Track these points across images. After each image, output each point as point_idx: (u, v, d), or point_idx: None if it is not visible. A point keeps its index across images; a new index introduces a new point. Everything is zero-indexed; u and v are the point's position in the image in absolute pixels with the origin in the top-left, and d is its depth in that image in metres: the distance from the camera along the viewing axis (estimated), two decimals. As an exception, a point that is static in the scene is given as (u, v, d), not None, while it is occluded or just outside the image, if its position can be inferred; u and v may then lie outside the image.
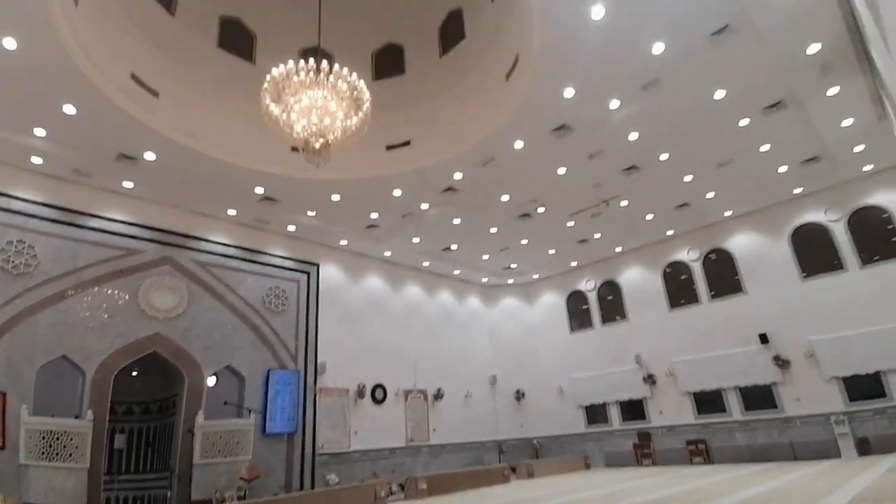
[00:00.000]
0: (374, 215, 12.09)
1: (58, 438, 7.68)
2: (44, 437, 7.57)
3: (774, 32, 7.39)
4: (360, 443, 12.40)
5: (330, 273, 13.36)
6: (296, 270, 12.62)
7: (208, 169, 9.66)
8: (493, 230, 13.36)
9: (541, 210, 12.37)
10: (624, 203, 12.32)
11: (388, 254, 14.40)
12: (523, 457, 14.70)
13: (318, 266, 13.11)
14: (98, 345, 9.18)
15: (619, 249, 15.57)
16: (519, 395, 16.41)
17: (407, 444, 13.40)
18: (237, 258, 11.58)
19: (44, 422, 7.70)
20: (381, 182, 10.69)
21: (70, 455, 7.72)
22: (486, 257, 15.25)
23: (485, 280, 17.23)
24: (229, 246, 11.53)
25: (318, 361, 12.22)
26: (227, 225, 11.65)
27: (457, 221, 12.66)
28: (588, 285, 16.51)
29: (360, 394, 12.82)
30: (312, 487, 10.82)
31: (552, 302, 17.31)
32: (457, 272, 16.30)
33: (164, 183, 10.04)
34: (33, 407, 7.98)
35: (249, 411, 10.51)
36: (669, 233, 14.54)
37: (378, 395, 13.28)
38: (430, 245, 14.03)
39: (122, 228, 10.04)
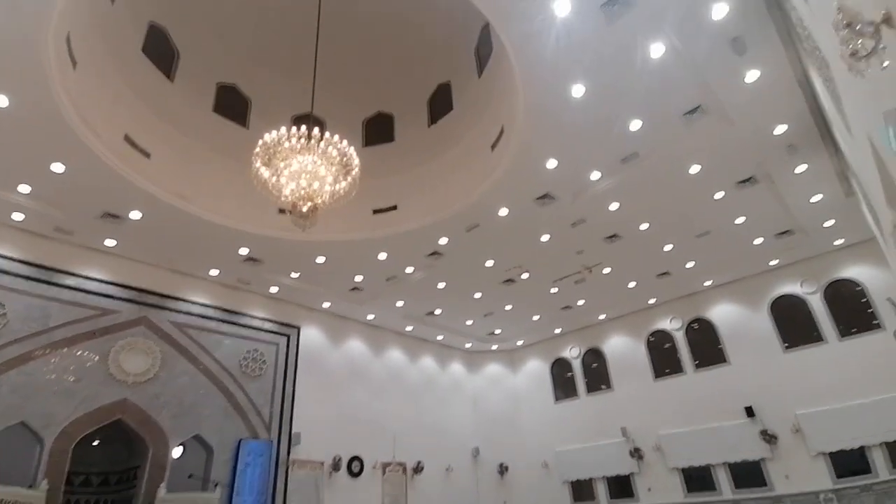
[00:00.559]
0: (359, 278, 12.03)
1: (4, 511, 7.08)
2: (-12, 510, 6.97)
3: (743, 113, 7.86)
4: (334, 521, 11.62)
5: (310, 336, 13.06)
6: (276, 333, 12.33)
7: (194, 229, 9.63)
8: (478, 295, 13.34)
9: (524, 276, 12.45)
10: (607, 270, 12.48)
11: (370, 317, 14.21)
12: (507, 537, 13.85)
13: (298, 329, 12.83)
14: (61, 410, 8.69)
15: (602, 317, 15.58)
16: (502, 470, 15.70)
17: (383, 524, 12.60)
18: (216, 319, 11.31)
19: (-9, 493, 7.11)
20: (366, 245, 10.73)
21: (15, 531, 7.09)
22: (469, 322, 15.12)
23: (468, 346, 16.98)
24: (208, 307, 11.28)
25: (293, 431, 11.65)
26: (208, 285, 11.47)
27: (441, 285, 12.64)
28: (572, 353, 16.34)
29: (336, 466, 12.17)
30: (279, 571, 9.99)
31: (536, 369, 17.02)
32: (440, 337, 16.07)
33: (148, 242, 9.96)
34: (-18, 478, 7.41)
35: (216, 485, 9.87)
36: (651, 301, 14.65)
37: (354, 467, 12.61)
38: (414, 309, 13.91)
39: (99, 287, 9.82)
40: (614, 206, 10.00)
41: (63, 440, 8.57)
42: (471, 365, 17.28)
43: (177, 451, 9.90)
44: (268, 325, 12.23)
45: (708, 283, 13.78)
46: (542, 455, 15.53)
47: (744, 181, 9.53)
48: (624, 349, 15.26)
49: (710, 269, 12.99)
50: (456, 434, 15.52)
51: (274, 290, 12.21)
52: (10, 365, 8.32)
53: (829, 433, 11.17)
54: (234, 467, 10.39)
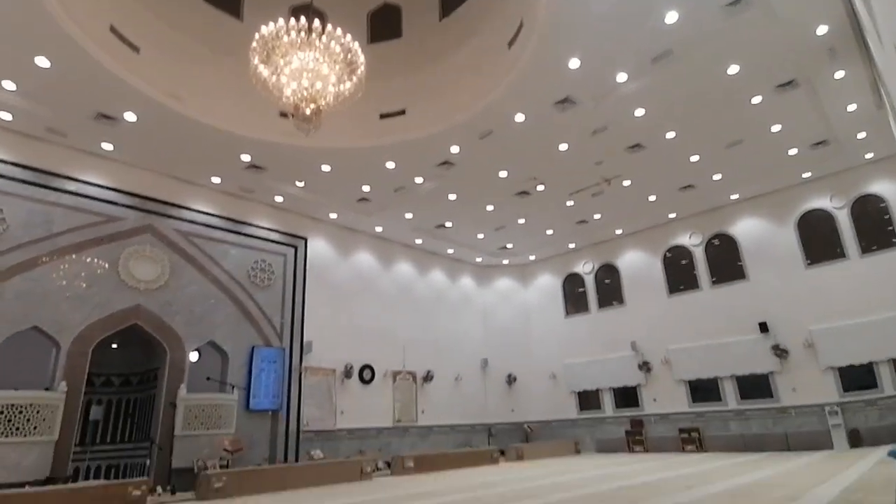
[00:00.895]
0: (366, 188, 11.62)
1: (20, 412, 7.28)
2: (1, 412, 7.15)
3: (786, 8, 7.03)
4: (347, 422, 12.12)
5: (318, 247, 12.92)
6: (282, 244, 12.17)
7: (192, 133, 9.15)
8: (490, 208, 12.94)
9: (540, 188, 11.95)
10: (626, 183, 11.92)
11: (379, 229, 13.96)
12: (513, 441, 14.51)
13: (305, 240, 12.66)
14: (74, 316, 8.76)
15: (618, 232, 15.20)
16: (510, 380, 16.17)
17: (394, 425, 13.16)
18: (221, 229, 11.12)
19: (2, 396, 7.27)
20: (373, 153, 10.22)
21: (35, 428, 7.33)
22: (481, 236, 14.85)
23: (479, 260, 16.85)
24: (213, 216, 11.05)
25: (305, 340, 11.84)
26: (211, 193, 11.16)
27: (452, 197, 12.22)
28: (585, 268, 16.18)
29: (348, 374, 12.51)
30: (297, 461, 10.56)
31: (548, 284, 16.98)
32: (450, 251, 15.91)
33: (146, 146, 9.53)
34: (-10, 379, 7.58)
35: (233, 387, 10.18)
36: (672, 216, 14.17)
37: (366, 375, 12.97)
38: (424, 221, 13.60)
39: (101, 193, 9.55)
40: (640, 112, 9.27)
41: (80, 343, 8.72)
42: (481, 279, 17.25)
43: (193, 356, 10.12)
44: (274, 236, 12.05)
45: (734, 197, 13.19)
46: (551, 367, 15.88)
47: (784, 84, 8.75)
48: (639, 265, 15.04)
49: (738, 182, 12.36)
50: (465, 346, 15.82)
51: (279, 199, 11.88)
52: (14, 271, 8.26)
53: (840, 349, 11.26)
54: (250, 372, 10.67)
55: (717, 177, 11.95)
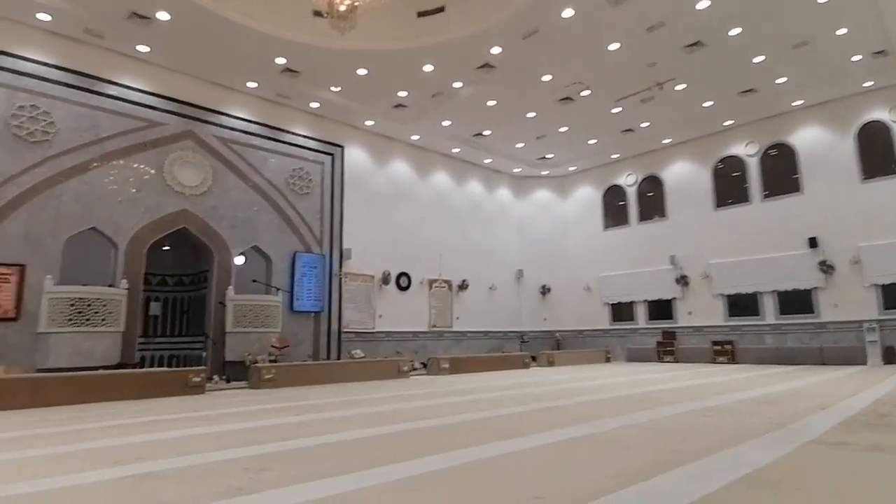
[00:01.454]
0: (403, 93, 11.25)
1: (89, 305, 7.90)
2: (73, 305, 7.77)
3: None
4: (385, 325, 12.72)
5: (355, 156, 12.86)
6: (320, 151, 12.15)
7: (226, 34, 8.88)
8: (531, 115, 12.41)
9: (585, 93, 11.30)
10: (680, 87, 11.12)
11: (415, 137, 13.69)
12: (544, 348, 15.00)
13: (342, 148, 12.58)
14: (128, 218, 9.17)
15: (666, 141, 14.45)
16: (544, 290, 16.40)
17: (430, 329, 13.74)
18: (259, 136, 11.12)
19: (74, 291, 7.87)
20: (410, 55, 9.75)
21: (103, 320, 7.98)
22: (520, 145, 14.41)
23: (517, 171, 16.50)
24: (251, 122, 11.01)
25: (344, 248, 12.16)
26: (248, 99, 11.04)
27: (491, 103, 11.73)
28: (628, 180, 15.65)
29: (385, 280, 12.92)
30: (339, 359, 11.30)
31: (587, 196, 16.62)
32: (488, 161, 15.58)
33: (181, 49, 9.35)
34: (60, 277, 8.16)
35: (277, 290, 10.69)
36: (727, 123, 13.29)
37: (403, 282, 13.37)
38: (461, 129, 13.23)
39: (141, 98, 9.57)
40: (703, 5, 8.40)
41: (135, 245, 9.21)
42: (518, 190, 17.00)
43: (239, 260, 10.58)
44: (311, 144, 12.01)
45: (797, 103, 12.19)
46: (585, 279, 15.98)
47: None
48: (686, 176, 14.46)
49: (803, 87, 11.35)
50: (500, 257, 15.96)
51: (315, 105, 11.68)
52: (69, 174, 8.59)
53: (886, 266, 11.02)
54: (292, 276, 11.14)
55: (780, 80, 10.97)
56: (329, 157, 12.30)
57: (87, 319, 7.83)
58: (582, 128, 13.26)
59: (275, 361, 9.41)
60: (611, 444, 3.22)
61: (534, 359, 13.16)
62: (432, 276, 14.02)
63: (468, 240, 15.12)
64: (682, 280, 13.91)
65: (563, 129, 13.33)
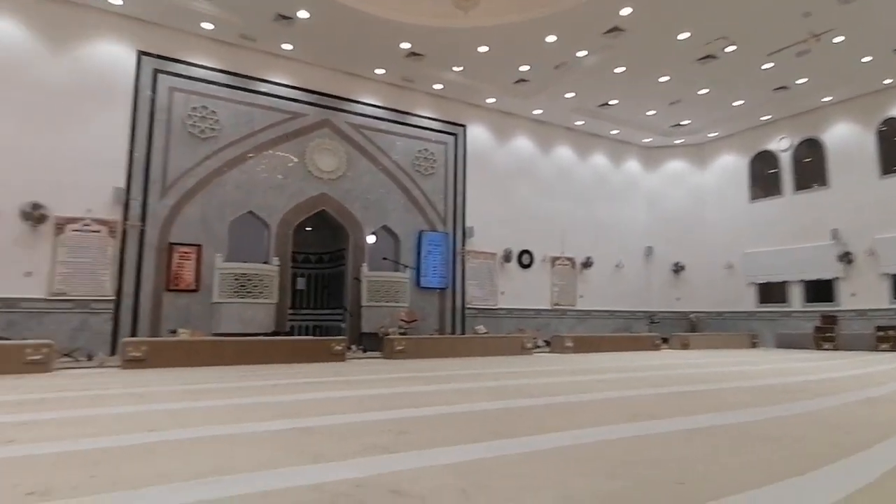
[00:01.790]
0: (524, 68, 11.05)
1: (249, 279, 9.06)
2: (236, 279, 8.97)
3: None
4: (507, 302, 12.84)
5: (477, 134, 12.98)
6: (443, 132, 12.47)
7: (356, 24, 9.42)
8: (664, 79, 11.49)
9: (730, 49, 10.15)
10: (838, 39, 9.51)
11: (537, 112, 13.41)
12: (676, 330, 14.07)
13: (464, 127, 12.77)
14: (277, 202, 10.28)
15: (827, 99, 12.51)
16: (677, 268, 15.30)
17: (552, 307, 13.58)
18: (387, 120, 11.71)
19: (237, 267, 9.09)
20: (532, 27, 9.52)
21: (261, 293, 9.12)
22: (651, 113, 13.44)
23: (647, 141, 15.43)
24: (379, 108, 11.63)
25: (467, 225, 12.44)
26: (376, 85, 11.65)
27: (619, 70, 11.06)
28: (781, 144, 13.86)
29: (507, 258, 12.99)
30: (463, 334, 11.69)
31: (730, 165, 15.05)
32: (614, 132, 14.76)
33: (318, 43, 10.12)
34: (227, 255, 9.42)
35: (405, 267, 11.30)
36: (887, 81, 11.15)
37: (525, 260, 13.34)
38: (586, 100, 12.67)
39: (286, 92, 10.58)
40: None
41: (283, 226, 10.32)
42: (649, 162, 15.92)
43: (370, 239, 11.35)
44: (435, 125, 12.36)
45: None
46: (727, 256, 14.63)
47: None
48: (847, 139, 12.48)
49: None
50: (627, 233, 15.18)
51: (438, 87, 11.96)
52: (231, 165, 9.84)
53: None
54: (419, 254, 11.69)
55: None
56: (452, 137, 12.57)
57: (248, 292, 8.99)
58: (725, 88, 11.97)
59: (404, 334, 10.00)
60: (759, 433, 2.97)
61: (665, 341, 12.42)
62: (555, 253, 13.79)
63: (593, 216, 14.58)
64: (845, 257, 12.10)
65: (702, 92, 12.16)
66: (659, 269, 15.43)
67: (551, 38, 9.85)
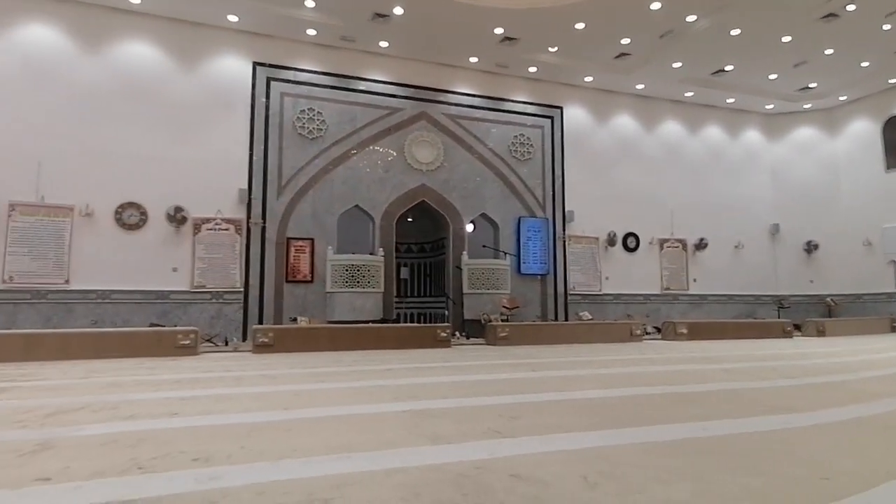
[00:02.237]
0: (625, 41, 10.45)
1: (358, 270, 9.58)
2: (346, 270, 9.52)
3: None
4: (612, 287, 12.34)
5: (574, 116, 12.53)
6: (539, 116, 12.19)
7: (449, 15, 9.49)
8: (786, 39, 10.28)
9: (850, 7, 8.85)
10: None
11: (640, 87, 12.63)
12: (810, 316, 12.65)
13: (561, 109, 12.38)
14: (380, 195, 10.72)
15: None
16: (810, 247, 13.73)
17: (662, 292, 12.83)
18: (482, 108, 11.68)
19: (347, 258, 9.64)
20: (633, -6, 8.95)
21: (368, 282, 9.60)
22: (773, 77, 12.10)
23: (769, 107, 13.93)
24: (474, 96, 11.64)
25: (566, 210, 12.11)
26: (471, 74, 11.65)
27: (735, 32, 10.07)
28: (921, 105, 11.88)
29: (611, 242, 12.46)
30: (566, 321, 11.44)
31: (863, 131, 13.21)
32: (730, 101, 13.50)
33: (413, 38, 10.33)
34: (337, 247, 10.00)
35: (505, 254, 11.27)
36: None
37: (630, 243, 12.71)
38: (696, 69, 11.71)
39: (385, 88, 10.95)
40: None
41: (387, 218, 10.74)
42: (771, 130, 14.38)
43: (469, 227, 11.45)
44: (531, 109, 12.12)
45: None
46: (865, 232, 12.89)
47: None
48: None
49: None
50: (748, 210, 13.88)
51: (533, 70, 11.69)
52: (337, 162, 10.41)
53: None
54: (518, 240, 11.60)
55: None
56: (548, 121, 12.26)
57: (357, 282, 9.51)
58: (851, 48, 10.51)
59: (506, 321, 10.03)
60: (922, 433, 2.61)
61: (797, 327, 11.24)
62: (663, 235, 12.99)
63: (705, 194, 13.51)
64: None
65: (828, 52, 10.73)
66: (788, 249, 13.94)
67: (656, 6, 9.20)
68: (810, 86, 12.60)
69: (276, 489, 1.69)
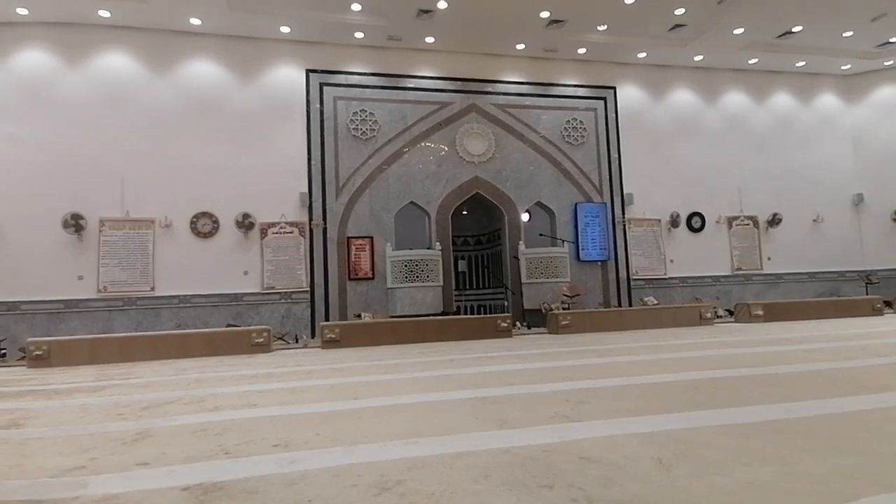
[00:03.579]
0: (680, 11, 9.95)
1: (416, 265, 9.73)
2: (405, 265, 9.70)
3: None
4: (677, 270, 11.84)
5: (628, 95, 12.08)
6: (591, 98, 11.84)
7: (493, 3, 9.39)
8: (864, -10, 9.42)
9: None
10: None
11: (698, 58, 11.98)
12: (904, 291, 11.62)
13: (614, 89, 11.97)
14: (434, 190, 10.81)
15: None
16: (899, 217, 12.59)
17: (733, 273, 12.17)
18: (532, 95, 11.50)
19: (405, 254, 9.81)
20: (686, -38, 8.51)
21: (427, 277, 9.73)
22: (848, 34, 11.13)
23: (846, 67, 12.84)
24: (523, 84, 11.47)
25: (625, 193, 11.72)
26: (518, 62, 11.49)
27: (802, -10, 9.36)
28: None
29: (674, 223, 11.94)
30: (630, 307, 11.09)
31: (967, 82, 11.88)
32: (800, 64, 12.56)
33: (458, 30, 10.30)
34: (395, 244, 10.18)
35: (563, 241, 11.07)
36: None
37: (695, 223, 12.13)
38: (760, 33, 10.97)
39: (433, 84, 11.01)
40: None
41: (442, 212, 10.82)
42: (849, 92, 13.27)
43: (525, 217, 11.33)
44: (582, 92, 11.79)
45: None
46: (970, 196, 11.63)
47: None
48: None
49: None
50: (826, 180, 12.89)
51: (582, 51, 11.37)
52: (391, 160, 10.59)
53: None
54: (576, 227, 11.36)
55: None
56: (601, 102, 11.90)
57: (417, 277, 9.66)
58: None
59: (567, 309, 9.86)
60: None
61: (888, 304, 10.34)
62: (731, 213, 12.32)
63: (776, 166, 12.68)
64: None
65: (917, -3, 9.72)
66: (874, 220, 12.83)
67: (711, -30, 8.70)
68: (892, 40, 11.48)
69: (350, 472, 1.77)
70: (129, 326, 9.00)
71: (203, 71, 9.99)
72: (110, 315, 9.01)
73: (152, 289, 9.24)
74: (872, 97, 13.14)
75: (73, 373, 5.58)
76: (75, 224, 8.94)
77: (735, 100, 12.74)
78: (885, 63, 12.58)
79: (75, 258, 9.00)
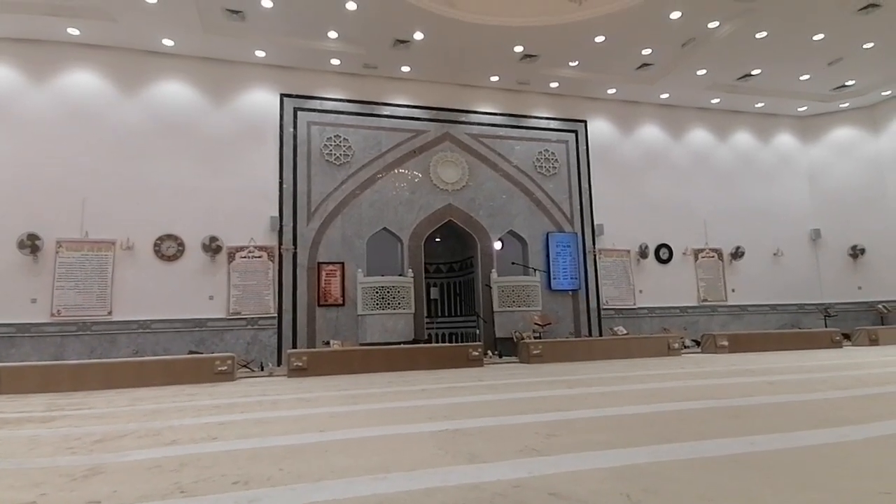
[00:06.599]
0: (646, 51, 10.40)
1: (388, 292, 9.65)
2: (377, 292, 9.61)
3: None
4: (646, 300, 12.06)
5: (599, 128, 12.46)
6: (562, 130, 12.17)
7: (468, 36, 9.64)
8: (818, 37, 10.04)
9: (899, -8, 8.60)
10: None
11: (664, 96, 12.50)
12: (860, 323, 12.07)
13: (585, 123, 12.34)
14: (407, 217, 10.82)
15: None
16: (856, 252, 13.15)
17: (700, 304, 12.46)
18: (505, 125, 11.75)
19: (376, 280, 9.71)
20: (653, 6, 8.94)
21: (399, 304, 9.64)
22: (805, 77, 11.80)
23: (802, 109, 13.57)
24: (496, 114, 11.72)
25: (595, 223, 11.96)
26: (492, 93, 11.76)
27: (761, 35, 9.90)
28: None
29: (643, 254, 12.21)
30: (600, 336, 11.19)
31: (911, 126, 12.67)
32: (759, 105, 13.22)
33: (434, 61, 10.51)
34: (367, 270, 10.10)
35: (535, 270, 11.17)
36: None
37: (663, 254, 12.43)
38: (721, 75, 11.53)
39: (408, 112, 11.14)
40: None
41: (415, 239, 10.82)
42: (805, 133, 13.99)
43: (497, 245, 11.42)
44: (553, 124, 12.11)
45: None
46: (917, 234, 12.27)
47: None
48: None
49: None
50: (785, 216, 13.45)
51: (554, 85, 11.72)
52: (364, 186, 10.59)
53: None
54: (547, 256, 11.49)
55: None
56: (572, 135, 12.23)
57: (388, 304, 9.56)
58: (894, 39, 10.12)
59: (539, 338, 9.89)
60: None
61: (847, 336, 10.72)
62: (697, 245, 12.68)
63: (739, 201, 13.18)
64: None
65: (867, 46, 10.41)
66: (831, 255, 13.40)
67: (675, 15, 9.15)
68: (847, 83, 12.23)
69: (314, 511, 1.69)
70: (81, 353, 8.59)
71: (174, 92, 9.87)
72: (63, 340, 8.59)
73: (109, 313, 8.87)
74: (828, 137, 13.88)
75: (24, 401, 5.27)
76: (31, 244, 8.58)
77: (699, 136, 13.27)
78: (841, 105, 13.35)
79: (29, 280, 8.61)
